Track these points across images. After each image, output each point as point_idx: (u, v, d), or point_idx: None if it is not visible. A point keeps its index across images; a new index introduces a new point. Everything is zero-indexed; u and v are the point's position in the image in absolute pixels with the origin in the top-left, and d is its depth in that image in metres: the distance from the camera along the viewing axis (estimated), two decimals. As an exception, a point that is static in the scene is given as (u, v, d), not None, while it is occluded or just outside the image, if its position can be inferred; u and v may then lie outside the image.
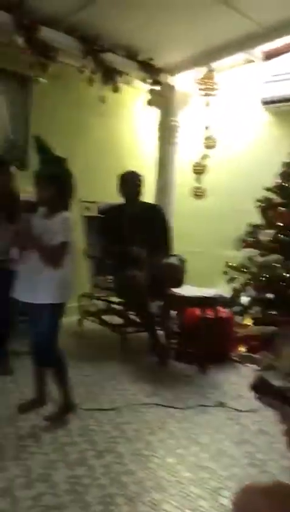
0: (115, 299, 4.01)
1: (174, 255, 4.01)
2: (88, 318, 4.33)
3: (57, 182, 2.35)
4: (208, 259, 4.90)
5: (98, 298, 4.25)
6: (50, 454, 2.10)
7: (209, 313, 3.41)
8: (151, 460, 2.11)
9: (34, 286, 2.31)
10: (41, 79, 3.98)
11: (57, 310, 2.38)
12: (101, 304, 4.26)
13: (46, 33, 3.66)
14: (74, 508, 1.74)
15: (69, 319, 4.54)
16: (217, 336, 3.45)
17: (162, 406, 2.71)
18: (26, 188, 3.84)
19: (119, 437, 2.31)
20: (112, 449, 2.19)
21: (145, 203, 4.06)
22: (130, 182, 3.89)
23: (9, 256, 3.14)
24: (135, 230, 3.88)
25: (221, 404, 2.76)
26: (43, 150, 2.37)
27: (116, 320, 3.97)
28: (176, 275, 3.64)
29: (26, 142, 4.30)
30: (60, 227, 2.31)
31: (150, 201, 4.35)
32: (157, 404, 2.72)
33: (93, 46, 3.93)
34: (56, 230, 2.31)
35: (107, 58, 4.06)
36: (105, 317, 4.13)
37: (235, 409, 2.71)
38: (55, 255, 2.30)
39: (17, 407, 2.48)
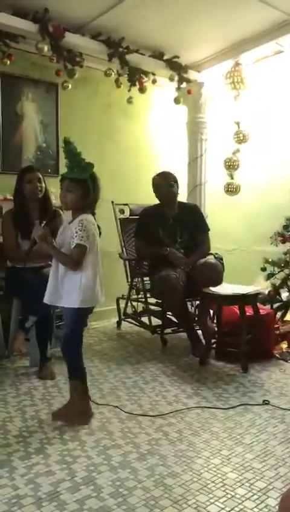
0: (152, 300, 4.00)
1: (212, 254, 3.97)
2: (126, 320, 4.35)
3: (82, 186, 2.36)
4: (244, 256, 4.83)
5: (136, 300, 4.25)
6: (93, 458, 2.11)
7: (249, 311, 3.35)
8: (196, 462, 2.08)
9: (59, 289, 2.40)
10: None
11: (78, 314, 2.42)
12: (139, 306, 4.26)
13: (71, 39, 3.69)
14: (118, 511, 1.74)
15: (108, 321, 4.59)
16: (258, 333, 3.39)
17: (205, 406, 2.67)
18: (58, 195, 3.92)
19: (162, 439, 2.30)
20: (155, 451, 2.18)
21: (182, 203, 4.03)
22: (164, 185, 3.86)
23: (47, 262, 3.20)
24: (173, 232, 3.85)
25: (264, 403, 2.70)
26: (71, 152, 2.37)
27: (155, 321, 3.96)
28: (215, 275, 3.60)
29: (56, 149, 4.35)
30: (75, 230, 2.34)
31: (185, 201, 4.32)
32: (199, 407, 2.69)
33: (118, 49, 3.93)
34: (73, 234, 2.35)
35: (133, 60, 4.06)
36: (143, 319, 4.12)
37: (279, 408, 2.65)
38: (71, 259, 2.35)
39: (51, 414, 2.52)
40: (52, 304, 2.48)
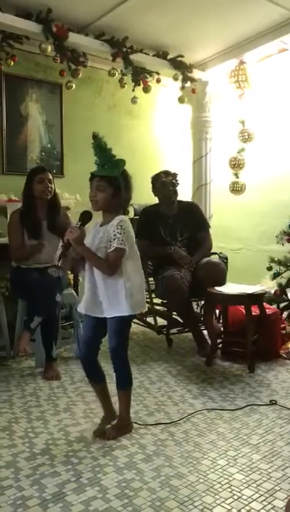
0: (157, 300, 3.98)
1: (216, 253, 3.95)
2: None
3: (113, 183, 2.20)
4: (249, 256, 4.81)
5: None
6: (99, 459, 2.10)
7: (255, 310, 3.33)
8: (202, 463, 2.07)
9: (105, 299, 2.23)
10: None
11: (126, 323, 2.29)
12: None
13: (75, 39, 3.69)
14: (124, 512, 1.73)
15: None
16: (264, 333, 3.37)
17: (211, 406, 2.66)
18: (63, 195, 3.92)
19: (168, 440, 2.28)
20: (161, 452, 2.16)
21: (181, 201, 4.01)
22: (165, 183, 3.84)
23: (54, 263, 3.21)
24: (174, 230, 3.84)
25: (271, 403, 2.68)
26: (101, 148, 2.21)
27: (160, 321, 3.95)
28: (219, 274, 3.58)
29: (61, 149, 4.35)
30: (113, 233, 2.17)
31: (186, 200, 4.30)
32: (205, 407, 2.68)
33: (122, 48, 3.93)
34: (111, 236, 2.18)
35: (137, 59, 4.05)
36: (148, 319, 4.11)
37: (286, 408, 2.63)
38: (107, 263, 2.18)
39: (93, 432, 2.36)
40: (93, 315, 2.27)
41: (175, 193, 3.88)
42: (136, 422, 2.44)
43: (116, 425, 2.35)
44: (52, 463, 2.07)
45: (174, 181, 3.85)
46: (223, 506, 1.76)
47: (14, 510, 1.74)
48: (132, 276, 2.24)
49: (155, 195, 3.93)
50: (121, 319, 2.23)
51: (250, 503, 1.78)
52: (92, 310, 2.26)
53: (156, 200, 3.98)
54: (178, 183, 3.89)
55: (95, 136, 2.20)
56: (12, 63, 3.68)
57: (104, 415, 2.41)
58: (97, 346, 2.35)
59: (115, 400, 2.40)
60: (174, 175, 3.88)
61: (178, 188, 3.89)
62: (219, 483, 1.91)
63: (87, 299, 2.27)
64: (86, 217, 2.24)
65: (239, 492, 1.85)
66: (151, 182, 3.91)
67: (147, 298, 3.96)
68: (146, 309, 2.33)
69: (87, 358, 2.36)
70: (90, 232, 2.29)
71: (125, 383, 2.34)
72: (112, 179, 2.20)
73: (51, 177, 3.28)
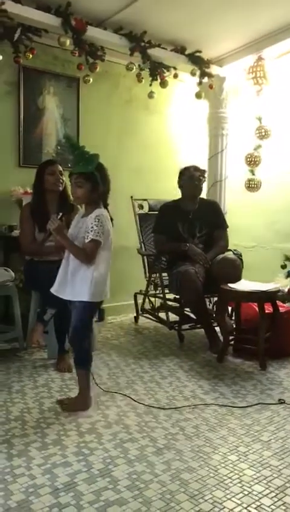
0: (170, 295, 3.99)
1: (231, 250, 3.94)
2: (144, 315, 4.35)
3: (90, 179, 2.37)
4: (264, 253, 4.79)
5: (154, 295, 4.25)
6: (110, 450, 2.12)
7: (268, 308, 3.32)
8: (212, 458, 2.07)
9: (71, 283, 2.42)
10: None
11: (88, 308, 2.45)
12: (156, 301, 4.25)
13: (93, 33, 3.69)
14: (134, 503, 1.74)
15: (125, 316, 4.60)
16: (277, 330, 3.35)
17: (222, 402, 2.66)
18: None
19: (179, 434, 2.29)
20: (172, 446, 2.17)
21: (202, 199, 4.01)
22: (193, 176, 3.83)
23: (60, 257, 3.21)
24: (193, 227, 3.84)
25: (282, 401, 2.67)
26: (74, 147, 2.40)
27: (172, 317, 3.95)
28: (234, 271, 3.57)
29: (77, 142, 4.36)
30: (91, 225, 2.36)
31: (205, 197, 4.29)
32: (216, 404, 2.68)
33: (140, 43, 3.92)
34: (88, 228, 2.36)
35: (154, 54, 4.04)
36: (161, 314, 4.12)
37: (298, 406, 2.62)
38: (85, 253, 2.37)
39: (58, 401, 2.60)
40: (58, 295, 2.49)
41: (199, 189, 3.89)
42: (147, 414, 2.45)
43: (74, 399, 2.56)
44: (64, 453, 2.08)
45: (201, 177, 3.86)
46: (234, 501, 1.76)
47: (26, 498, 1.76)
48: (100, 267, 2.42)
49: (179, 187, 3.92)
50: (82, 303, 2.42)
51: (260, 498, 1.78)
52: (59, 291, 2.48)
53: (172, 196, 3.97)
54: (204, 181, 3.90)
55: (67, 137, 2.49)
56: (30, 56, 3.69)
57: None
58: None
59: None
60: (203, 172, 3.89)
61: (202, 186, 3.89)
62: (230, 478, 1.92)
63: (59, 280, 2.48)
64: (71, 208, 2.57)
65: (250, 487, 1.85)
66: (179, 173, 3.91)
67: (160, 293, 4.03)
68: (106, 298, 2.55)
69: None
70: (73, 221, 2.54)
71: (80, 362, 2.52)
72: (88, 175, 2.38)
73: (61, 169, 3.30)
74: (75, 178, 2.39)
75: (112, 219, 2.48)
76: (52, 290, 2.50)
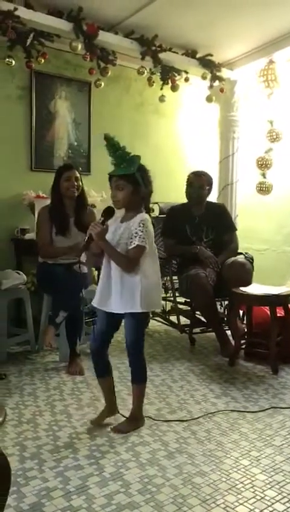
0: (181, 299, 3.98)
1: (242, 253, 3.93)
2: (155, 318, 4.34)
3: (132, 181, 2.23)
4: (275, 257, 4.77)
5: (164, 299, 4.24)
6: (122, 454, 2.12)
7: (280, 312, 3.30)
8: (224, 462, 2.07)
9: (118, 294, 2.25)
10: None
11: (142, 319, 2.32)
12: (167, 305, 4.25)
13: (105, 37, 3.71)
14: (146, 507, 1.74)
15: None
16: (289, 334, 3.33)
17: (234, 406, 2.65)
18: (90, 193, 3.95)
19: (190, 438, 2.29)
20: (183, 450, 2.17)
21: (209, 202, 4.00)
22: (195, 185, 3.83)
23: (78, 259, 3.23)
24: (199, 231, 3.83)
25: (295, 406, 2.66)
26: (115, 148, 2.24)
27: (183, 320, 3.94)
28: (244, 274, 3.56)
29: (88, 147, 4.38)
30: (135, 230, 2.21)
31: (214, 200, 4.28)
32: (228, 407, 2.67)
33: (151, 47, 3.93)
34: (132, 233, 2.21)
35: (165, 58, 4.06)
36: (172, 318, 4.11)
37: (310, 411, 2.60)
38: (128, 260, 2.22)
39: (91, 421, 2.44)
40: (102, 309, 2.32)
41: (202, 197, 3.86)
42: (158, 419, 2.45)
43: (128, 420, 2.39)
44: (76, 456, 2.09)
45: (204, 185, 3.82)
46: (246, 506, 1.75)
47: (38, 500, 1.77)
48: (148, 274, 2.26)
49: (185, 193, 3.93)
50: (136, 315, 2.25)
51: (273, 504, 1.77)
52: (105, 304, 2.30)
53: (183, 199, 3.98)
54: (210, 188, 3.87)
55: (107, 137, 2.23)
56: (42, 60, 3.72)
57: (105, 408, 2.46)
58: (108, 341, 2.43)
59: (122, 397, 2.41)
60: (203, 177, 3.85)
61: (207, 191, 3.87)
62: (242, 483, 1.91)
63: (102, 293, 2.31)
64: (108, 213, 2.28)
65: (262, 492, 1.84)
66: (186, 180, 3.92)
67: (170, 297, 4.02)
68: (160, 308, 2.34)
69: (98, 351, 2.42)
70: (110, 227, 2.31)
71: (139, 378, 2.38)
72: (129, 177, 2.22)
73: (78, 174, 3.32)
74: (115, 180, 2.24)
75: (153, 225, 2.33)
76: (94, 303, 2.34)
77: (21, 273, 3.48)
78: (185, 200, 3.99)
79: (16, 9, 3.22)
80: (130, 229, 2.23)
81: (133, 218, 2.25)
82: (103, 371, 2.44)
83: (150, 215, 2.33)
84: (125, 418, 2.41)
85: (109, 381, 2.46)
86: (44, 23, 3.45)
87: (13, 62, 3.56)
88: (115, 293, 2.26)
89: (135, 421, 2.39)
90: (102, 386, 2.47)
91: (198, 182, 3.82)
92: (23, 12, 3.29)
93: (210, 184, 3.88)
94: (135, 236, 2.20)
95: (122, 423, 2.38)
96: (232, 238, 3.92)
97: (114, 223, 2.33)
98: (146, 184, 2.28)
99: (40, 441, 2.22)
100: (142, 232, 2.19)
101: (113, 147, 2.23)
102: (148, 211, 2.34)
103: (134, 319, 2.27)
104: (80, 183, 3.32)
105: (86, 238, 2.26)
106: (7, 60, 3.53)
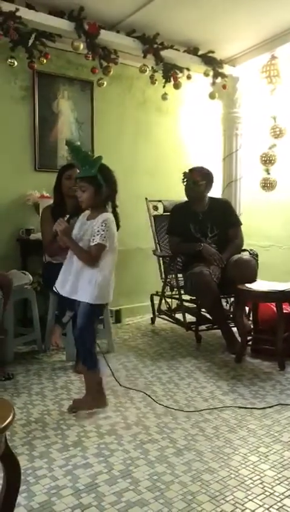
0: (186, 296, 3.99)
1: (247, 250, 3.93)
2: (160, 316, 4.35)
3: (94, 182, 2.37)
4: (280, 253, 4.76)
5: (170, 296, 4.25)
6: (130, 452, 2.13)
7: (286, 308, 3.30)
8: (233, 459, 2.07)
9: (75, 283, 2.44)
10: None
11: (91, 310, 2.46)
12: (173, 302, 4.25)
13: (106, 36, 3.71)
14: (156, 504, 1.74)
15: (142, 318, 4.60)
16: (295, 330, 3.33)
17: (241, 403, 2.65)
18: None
19: (198, 435, 2.29)
20: (192, 447, 2.17)
21: (213, 198, 3.99)
22: (188, 181, 3.83)
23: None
24: (204, 227, 3.83)
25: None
26: (76, 152, 2.42)
27: (189, 317, 3.95)
28: (249, 271, 3.56)
29: (91, 146, 4.39)
30: (97, 229, 2.38)
31: (216, 196, 4.28)
32: (235, 403, 2.67)
33: (153, 45, 3.92)
34: (94, 231, 2.38)
35: (167, 55, 4.05)
36: (177, 315, 4.12)
37: (318, 406, 2.60)
38: (89, 256, 2.39)
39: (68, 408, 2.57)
40: (59, 292, 2.52)
41: (198, 193, 3.84)
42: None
43: (83, 399, 2.57)
44: (85, 454, 2.10)
45: (199, 180, 3.81)
46: (255, 502, 1.76)
47: (48, 499, 1.78)
48: (105, 270, 2.43)
49: (185, 193, 3.93)
50: (87, 304, 2.43)
51: (282, 499, 1.77)
52: (63, 287, 2.49)
53: (185, 196, 3.98)
54: (208, 183, 3.85)
55: (68, 143, 2.43)
56: (45, 61, 3.72)
57: (84, 396, 2.60)
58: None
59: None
60: (204, 174, 3.83)
61: (207, 188, 3.86)
62: (251, 479, 1.91)
63: (62, 277, 2.51)
64: (77, 212, 2.53)
65: (271, 488, 1.84)
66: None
67: (176, 295, 4.03)
68: (109, 301, 2.54)
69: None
70: (77, 222, 2.55)
71: (87, 364, 2.53)
72: (91, 179, 2.38)
73: None
74: (79, 182, 2.43)
75: (118, 224, 2.48)
76: (56, 285, 2.53)
77: (27, 273, 3.49)
78: (186, 198, 3.99)
79: (17, 10, 3.21)
80: (92, 228, 2.41)
81: (97, 217, 2.43)
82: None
83: (116, 212, 2.49)
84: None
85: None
86: (45, 23, 3.45)
87: (15, 63, 3.56)
88: (72, 278, 2.45)
89: (87, 401, 2.54)
90: (84, 375, 2.62)
91: (192, 178, 3.81)
92: (24, 13, 3.28)
93: (207, 178, 3.84)
94: (97, 235, 2.37)
95: (78, 400, 2.57)
96: (237, 233, 3.91)
97: (82, 218, 2.54)
98: (108, 184, 2.42)
99: (48, 440, 2.23)
100: (103, 231, 2.37)
101: (74, 151, 2.42)
102: (114, 208, 2.50)
103: (85, 307, 2.45)
104: None
105: (53, 233, 2.49)
106: (9, 60, 3.53)
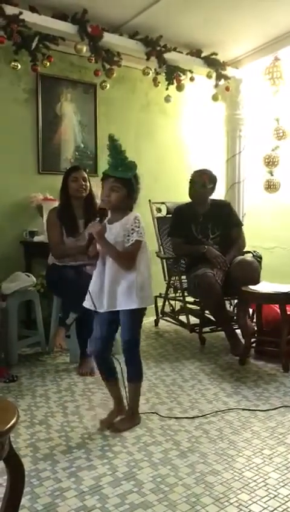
0: (190, 298, 3.98)
1: (250, 252, 3.93)
2: (164, 318, 4.35)
3: (128, 185, 2.28)
4: (284, 255, 4.75)
5: (173, 298, 4.25)
6: (134, 454, 2.13)
7: (289, 309, 3.29)
8: (237, 461, 2.07)
9: (114, 294, 2.26)
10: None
11: (138, 315, 2.33)
12: (176, 304, 4.25)
13: (109, 39, 3.72)
14: (160, 506, 1.74)
15: (145, 320, 4.58)
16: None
17: (245, 405, 2.65)
18: (97, 194, 3.96)
19: (202, 437, 2.29)
20: (196, 449, 2.17)
21: (213, 200, 4.00)
22: (196, 184, 3.83)
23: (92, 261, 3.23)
24: (205, 229, 3.83)
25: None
26: (116, 151, 2.27)
27: (193, 319, 3.94)
28: (253, 272, 3.56)
29: (95, 148, 4.40)
30: (132, 227, 2.26)
31: (218, 198, 4.28)
32: (239, 405, 2.66)
33: (156, 47, 3.93)
34: (129, 230, 2.26)
35: (170, 58, 4.06)
36: (181, 317, 4.11)
37: None
38: (128, 256, 2.26)
39: (100, 421, 2.45)
40: (96, 310, 2.31)
41: (204, 195, 3.85)
42: (163, 416, 2.45)
43: (125, 418, 2.42)
44: (88, 456, 2.10)
45: (206, 183, 3.82)
46: (259, 504, 1.75)
47: (52, 501, 1.78)
48: (142, 271, 2.30)
49: (189, 194, 3.94)
50: (132, 312, 2.27)
51: (286, 502, 1.77)
52: (99, 304, 2.29)
53: (189, 198, 3.98)
54: (213, 186, 3.86)
55: (112, 138, 2.26)
56: (48, 63, 3.73)
57: (113, 408, 2.48)
58: (109, 345, 2.42)
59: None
60: (210, 177, 3.84)
61: (210, 189, 3.86)
62: (255, 481, 1.91)
63: (95, 294, 2.30)
64: (103, 213, 2.34)
65: (275, 491, 1.84)
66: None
67: (179, 296, 4.03)
68: (152, 304, 2.36)
69: (99, 355, 2.42)
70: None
71: (136, 376, 2.40)
72: (126, 181, 2.28)
73: (85, 175, 3.33)
74: (112, 182, 2.27)
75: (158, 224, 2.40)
76: (86, 305, 2.34)
77: (30, 275, 3.50)
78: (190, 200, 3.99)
79: (20, 13, 3.23)
80: (125, 228, 2.28)
81: (124, 217, 2.31)
82: (107, 374, 2.44)
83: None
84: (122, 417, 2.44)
85: (114, 383, 2.45)
86: (49, 26, 3.46)
87: (19, 66, 3.57)
88: (109, 291, 2.27)
89: (132, 419, 2.42)
90: (108, 388, 2.48)
91: (200, 180, 3.82)
92: (28, 16, 3.30)
93: (213, 182, 3.86)
94: (132, 233, 2.26)
95: (119, 421, 2.41)
96: (239, 233, 3.91)
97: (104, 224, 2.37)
98: (136, 192, 2.35)
99: (52, 442, 2.24)
100: (138, 227, 2.26)
101: (115, 148, 2.27)
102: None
103: (130, 316, 2.29)
104: (88, 184, 3.34)
105: (88, 237, 2.35)
106: (13, 63, 3.55)
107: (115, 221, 2.33)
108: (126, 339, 2.33)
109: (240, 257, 3.73)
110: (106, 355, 2.41)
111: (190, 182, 3.88)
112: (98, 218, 2.32)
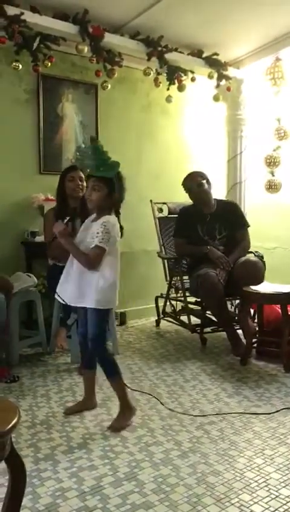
0: (191, 299, 3.98)
1: (253, 252, 3.92)
2: (165, 319, 4.35)
3: (109, 184, 2.34)
4: (284, 255, 4.75)
5: (175, 299, 4.25)
6: (135, 454, 2.12)
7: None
8: (238, 461, 2.07)
9: (77, 289, 2.36)
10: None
11: (99, 314, 2.39)
12: (178, 305, 4.25)
13: (111, 39, 3.72)
14: (161, 507, 1.74)
15: (147, 320, 4.60)
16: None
17: (246, 405, 2.65)
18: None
19: (203, 437, 2.29)
20: (197, 449, 2.17)
21: (220, 200, 3.99)
22: (193, 186, 3.84)
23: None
24: (212, 229, 3.83)
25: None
26: (98, 152, 2.36)
27: (194, 320, 3.94)
28: (256, 273, 3.56)
29: (96, 148, 4.39)
30: (97, 231, 2.32)
31: (223, 198, 4.28)
32: (241, 406, 2.66)
33: (157, 47, 3.93)
34: (94, 234, 2.33)
35: (171, 58, 4.06)
36: (182, 318, 4.11)
37: None
38: (88, 259, 2.32)
39: (65, 410, 2.56)
40: (60, 295, 2.43)
41: (206, 193, 3.86)
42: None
43: (119, 416, 2.45)
44: (90, 457, 2.10)
45: (201, 181, 3.82)
46: (261, 505, 1.75)
47: (53, 501, 1.78)
48: (106, 273, 2.35)
49: (190, 198, 3.95)
50: (94, 310, 2.36)
51: (288, 502, 1.77)
52: (61, 291, 2.42)
53: (189, 199, 3.98)
54: (208, 182, 3.86)
55: (93, 139, 2.38)
56: (49, 64, 3.74)
57: (83, 399, 2.61)
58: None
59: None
60: (201, 175, 3.85)
61: (208, 186, 3.86)
62: (256, 481, 1.90)
63: (62, 283, 2.43)
64: (74, 212, 2.52)
65: (276, 491, 1.84)
66: (183, 188, 3.94)
67: (181, 297, 4.03)
68: (115, 306, 2.47)
69: (84, 339, 2.52)
70: (83, 224, 2.51)
71: (109, 371, 2.46)
72: (107, 180, 2.34)
73: (82, 175, 3.33)
74: (93, 181, 2.35)
75: (122, 228, 2.42)
76: (58, 292, 2.45)
77: (32, 275, 3.50)
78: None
79: (22, 13, 3.23)
80: (93, 229, 2.37)
81: (101, 218, 2.37)
82: (86, 364, 2.59)
83: (119, 218, 2.43)
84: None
85: (90, 375, 2.58)
86: (50, 26, 3.46)
87: (20, 66, 3.58)
88: (72, 285, 2.38)
89: (125, 415, 2.44)
90: (83, 378, 2.62)
91: (193, 183, 3.84)
92: (29, 17, 3.30)
93: (204, 177, 3.87)
94: (96, 237, 2.31)
95: (114, 421, 2.43)
96: (244, 235, 3.91)
97: (87, 221, 2.49)
98: (120, 191, 2.39)
99: (53, 442, 2.24)
100: (102, 233, 2.30)
101: (96, 149, 2.36)
102: (117, 215, 2.45)
103: (93, 313, 2.38)
104: (85, 184, 3.34)
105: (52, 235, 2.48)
106: (14, 64, 3.55)
107: (94, 221, 2.43)
108: (90, 337, 2.43)
109: (244, 257, 3.73)
110: (86, 343, 2.49)
111: (186, 191, 3.90)
112: (67, 218, 2.47)
